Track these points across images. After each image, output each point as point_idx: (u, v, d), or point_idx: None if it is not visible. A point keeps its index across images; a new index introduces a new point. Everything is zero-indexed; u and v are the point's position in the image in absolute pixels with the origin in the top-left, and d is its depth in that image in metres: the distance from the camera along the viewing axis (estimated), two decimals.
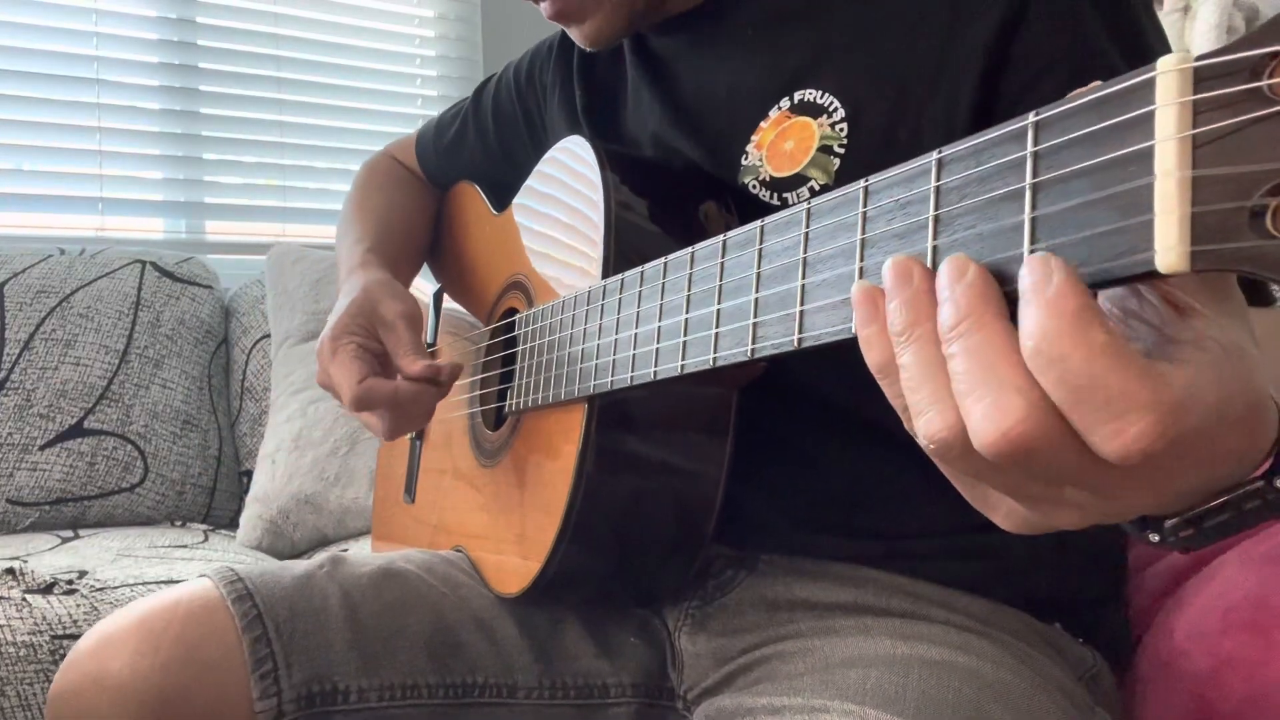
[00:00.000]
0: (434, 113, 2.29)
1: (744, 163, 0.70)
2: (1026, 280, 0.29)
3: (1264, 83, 0.23)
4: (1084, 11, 0.60)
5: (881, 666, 0.59)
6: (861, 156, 0.65)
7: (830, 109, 0.66)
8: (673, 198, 0.71)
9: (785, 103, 0.69)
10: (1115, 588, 0.75)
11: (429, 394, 0.78)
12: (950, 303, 0.31)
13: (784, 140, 0.68)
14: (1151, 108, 0.26)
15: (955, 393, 0.32)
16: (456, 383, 0.92)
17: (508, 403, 0.78)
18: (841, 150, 0.65)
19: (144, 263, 1.76)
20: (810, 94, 0.68)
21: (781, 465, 0.71)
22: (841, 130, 0.66)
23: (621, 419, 0.66)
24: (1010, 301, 0.31)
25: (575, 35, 0.79)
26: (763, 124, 0.70)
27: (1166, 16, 1.45)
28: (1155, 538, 0.35)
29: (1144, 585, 0.81)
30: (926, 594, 0.68)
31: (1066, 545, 0.67)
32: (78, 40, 1.95)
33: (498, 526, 0.79)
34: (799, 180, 0.67)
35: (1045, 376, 0.29)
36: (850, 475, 0.70)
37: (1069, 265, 0.28)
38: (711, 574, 0.74)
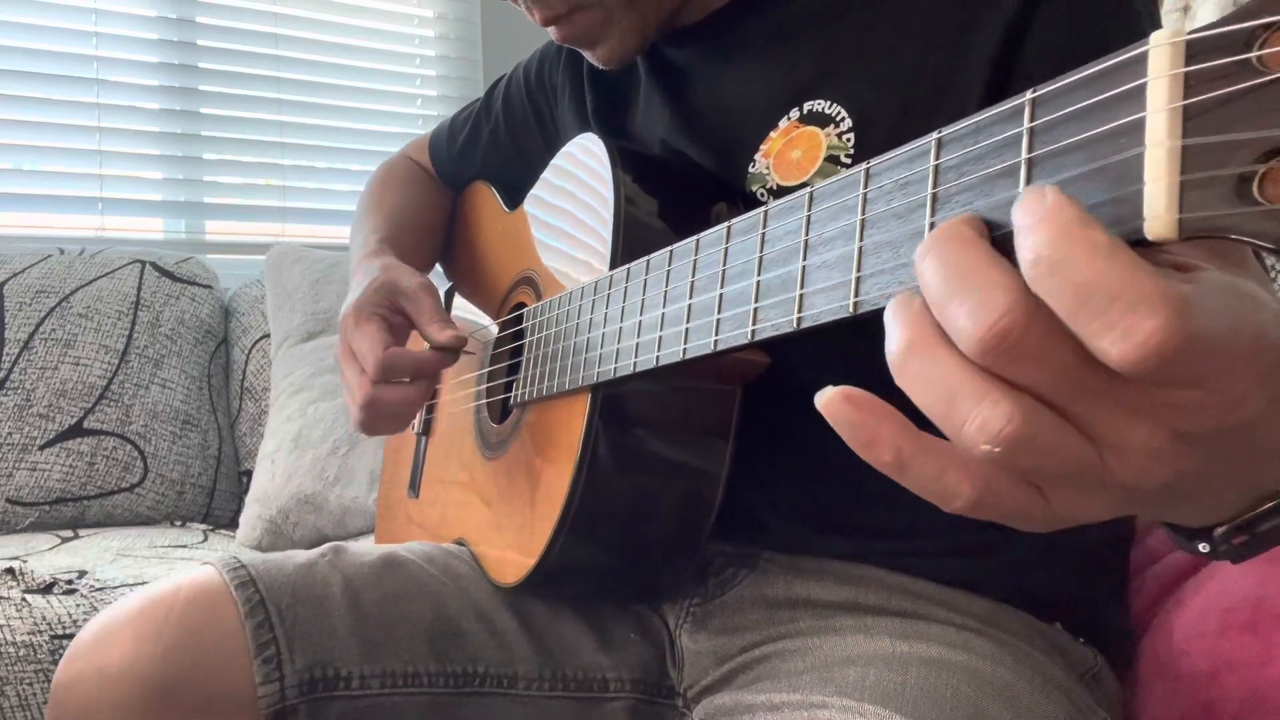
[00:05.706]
0: (434, 113, 2.32)
1: (751, 171, 0.70)
2: (1019, 212, 0.27)
3: (1253, 54, 0.24)
4: (1089, 13, 0.61)
5: (881, 664, 0.59)
6: None
7: (838, 119, 0.67)
8: (683, 197, 0.71)
9: (795, 113, 0.69)
10: (1117, 588, 0.75)
11: (448, 364, 0.80)
12: (932, 236, 0.29)
13: (791, 149, 0.68)
14: (1144, 80, 0.26)
15: (931, 304, 0.29)
16: (463, 377, 0.93)
17: (513, 394, 0.79)
18: (849, 160, 0.65)
19: (144, 263, 1.77)
20: (819, 104, 0.68)
21: (784, 464, 0.71)
22: (849, 140, 0.66)
23: (625, 411, 0.66)
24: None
25: (590, 57, 0.80)
26: (772, 134, 0.70)
27: (1166, 15, 1.46)
28: (1205, 548, 0.33)
29: (1144, 586, 0.81)
30: (927, 593, 0.68)
31: (1067, 545, 0.67)
32: (78, 40, 1.95)
33: (499, 517, 0.79)
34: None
35: (1045, 285, 0.27)
36: (852, 474, 0.70)
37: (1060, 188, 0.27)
38: (712, 572, 0.74)
